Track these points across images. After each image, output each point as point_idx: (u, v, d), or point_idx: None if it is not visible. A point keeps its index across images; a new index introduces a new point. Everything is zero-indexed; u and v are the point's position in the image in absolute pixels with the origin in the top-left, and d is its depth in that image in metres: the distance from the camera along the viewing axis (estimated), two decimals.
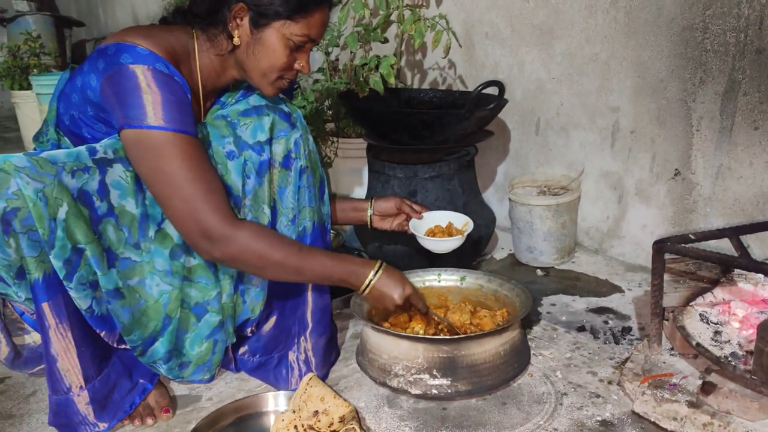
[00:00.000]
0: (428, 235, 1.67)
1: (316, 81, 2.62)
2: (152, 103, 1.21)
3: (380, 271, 1.42)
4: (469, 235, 1.67)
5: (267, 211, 1.45)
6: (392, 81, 2.21)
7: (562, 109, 2.23)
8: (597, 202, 2.22)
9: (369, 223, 1.71)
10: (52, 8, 6.14)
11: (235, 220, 1.29)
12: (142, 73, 1.22)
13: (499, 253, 2.33)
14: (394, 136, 2.02)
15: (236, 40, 1.33)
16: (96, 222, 1.27)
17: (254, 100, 1.46)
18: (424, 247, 1.68)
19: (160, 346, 1.39)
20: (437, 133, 1.94)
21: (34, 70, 4.59)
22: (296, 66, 1.38)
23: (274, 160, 1.44)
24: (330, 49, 2.54)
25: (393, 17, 2.39)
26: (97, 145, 1.28)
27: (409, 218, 1.70)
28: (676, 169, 1.95)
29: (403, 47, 2.58)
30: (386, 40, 2.41)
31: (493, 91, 1.96)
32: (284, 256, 1.31)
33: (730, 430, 1.22)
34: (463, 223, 1.70)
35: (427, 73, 2.68)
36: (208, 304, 1.43)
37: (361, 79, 2.26)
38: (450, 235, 1.67)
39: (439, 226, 1.70)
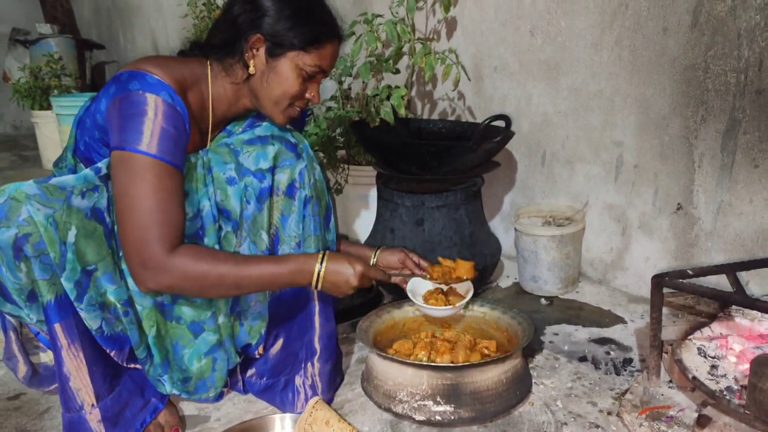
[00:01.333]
0: (427, 295, 1.64)
1: (329, 109, 2.69)
2: (151, 132, 1.26)
3: (325, 261, 1.40)
4: (475, 263, 1.68)
5: (264, 237, 1.49)
6: (402, 112, 2.27)
7: (567, 142, 2.29)
8: (601, 234, 2.26)
9: None
10: (74, 31, 6.30)
11: (173, 248, 1.28)
12: (153, 102, 1.28)
13: (505, 282, 2.37)
14: (403, 166, 2.08)
15: (251, 69, 1.40)
16: (108, 237, 1.33)
17: (261, 131, 1.51)
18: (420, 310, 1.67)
19: (156, 356, 1.43)
20: (445, 164, 2.00)
21: (55, 91, 4.71)
22: (307, 95, 1.45)
23: (277, 188, 1.49)
24: (343, 78, 2.61)
25: (404, 49, 2.46)
26: (100, 164, 1.33)
27: (412, 274, 1.67)
28: (679, 204, 1.99)
29: (413, 78, 2.65)
30: (398, 71, 2.48)
31: (500, 123, 2.02)
32: (222, 272, 1.30)
33: None
34: (465, 289, 1.66)
35: (437, 104, 2.75)
36: (204, 323, 1.48)
37: (373, 109, 2.32)
38: (447, 300, 1.63)
39: (439, 290, 1.65)
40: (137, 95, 1.28)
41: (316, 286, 1.40)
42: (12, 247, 1.23)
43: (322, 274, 1.39)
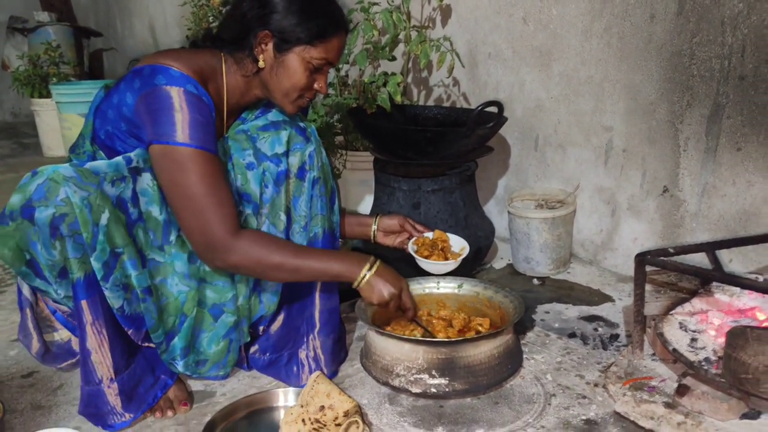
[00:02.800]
0: (425, 255, 1.75)
1: (327, 96, 2.75)
2: (182, 122, 1.34)
3: (375, 267, 1.50)
4: (470, 245, 1.78)
5: (283, 217, 1.58)
6: (398, 98, 2.34)
7: (559, 127, 2.35)
8: (591, 216, 2.33)
9: (372, 238, 1.81)
10: (71, 19, 6.31)
11: (237, 230, 1.39)
12: (177, 95, 1.35)
13: (499, 263, 2.45)
14: (400, 152, 2.15)
15: (261, 63, 1.46)
16: (130, 226, 1.41)
17: (273, 116, 1.59)
18: (421, 267, 1.76)
19: (178, 342, 1.51)
20: (440, 150, 2.07)
21: (53, 78, 4.75)
22: (315, 86, 1.51)
23: (290, 171, 1.57)
24: (340, 65, 2.67)
25: (401, 36, 2.51)
26: (132, 154, 1.41)
27: (410, 237, 1.79)
28: (665, 187, 2.07)
29: (410, 64, 2.70)
30: (394, 58, 2.54)
31: (494, 108, 2.09)
32: (282, 258, 1.42)
33: (701, 429, 1.33)
34: (460, 247, 1.79)
35: (433, 90, 2.81)
36: (224, 305, 1.55)
37: (369, 95, 2.38)
38: (446, 257, 1.75)
39: (437, 246, 1.77)
40: (163, 90, 1.35)
41: (358, 285, 1.49)
42: (49, 225, 1.31)
43: (367, 278, 1.49)
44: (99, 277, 1.36)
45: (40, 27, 5.41)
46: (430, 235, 1.79)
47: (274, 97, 1.51)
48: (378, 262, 1.51)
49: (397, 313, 1.61)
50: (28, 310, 1.57)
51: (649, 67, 2.02)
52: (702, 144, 1.94)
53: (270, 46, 1.45)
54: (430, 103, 2.83)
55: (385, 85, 2.36)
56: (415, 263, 1.74)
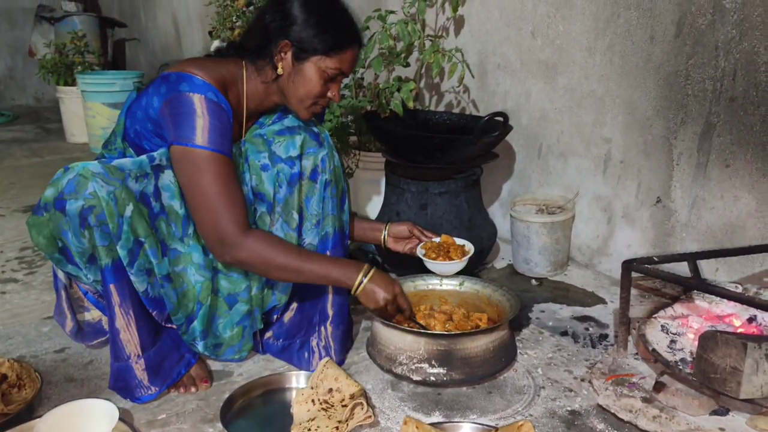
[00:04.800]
0: (433, 258, 1.87)
1: (343, 97, 2.88)
2: (202, 127, 1.48)
3: (370, 274, 1.60)
4: (473, 245, 1.92)
5: (296, 216, 1.72)
6: (411, 104, 2.47)
7: (562, 137, 2.48)
8: (589, 222, 2.46)
9: (383, 243, 1.94)
10: (96, 9, 6.46)
11: (247, 229, 1.52)
12: (199, 102, 1.49)
13: (500, 263, 2.58)
14: (410, 155, 2.29)
15: (280, 71, 1.59)
16: (153, 219, 1.55)
17: (288, 122, 1.73)
18: (429, 269, 1.90)
19: (197, 325, 1.65)
20: (448, 155, 2.20)
21: (78, 67, 4.89)
22: (329, 94, 1.64)
23: (303, 173, 1.71)
24: (357, 70, 2.80)
25: (415, 44, 2.64)
26: (155, 153, 1.55)
27: (419, 242, 1.92)
28: (658, 197, 2.20)
29: (422, 71, 2.84)
30: (408, 65, 2.67)
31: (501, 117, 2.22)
32: (286, 260, 1.53)
33: (674, 422, 1.47)
34: (465, 248, 1.92)
35: (444, 96, 2.94)
36: (239, 295, 1.70)
37: (383, 100, 2.52)
38: (451, 259, 1.88)
39: (442, 248, 1.90)
40: (186, 96, 1.49)
41: (356, 292, 1.60)
42: (78, 216, 1.45)
43: (364, 284, 1.59)
44: (125, 264, 1.51)
45: (66, 16, 5.56)
46: (437, 239, 1.93)
47: (290, 103, 1.64)
48: (373, 270, 1.61)
49: (394, 315, 1.72)
50: (63, 292, 1.72)
51: (648, 85, 2.15)
52: (694, 159, 2.07)
53: (289, 55, 1.57)
54: (441, 107, 2.96)
55: (398, 90, 2.49)
56: (425, 266, 1.89)
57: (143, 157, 1.55)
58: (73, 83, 4.74)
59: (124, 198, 1.48)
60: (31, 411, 1.55)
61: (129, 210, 1.49)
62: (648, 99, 2.16)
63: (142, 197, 1.53)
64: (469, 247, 1.93)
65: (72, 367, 1.81)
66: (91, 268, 1.55)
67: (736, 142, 1.95)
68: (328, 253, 1.75)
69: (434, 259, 1.87)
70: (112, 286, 1.53)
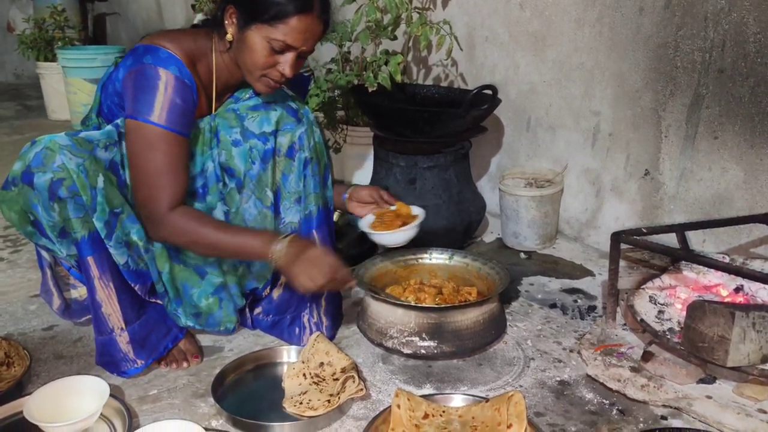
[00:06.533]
0: (378, 223, 1.75)
1: (330, 71, 2.85)
2: (161, 105, 1.46)
3: (286, 242, 1.49)
4: (461, 220, 1.89)
5: (269, 193, 1.68)
6: (399, 78, 2.45)
7: (550, 109, 2.48)
8: (578, 195, 2.47)
9: (345, 207, 1.86)
10: None
11: (175, 207, 1.49)
12: (164, 76, 1.46)
13: (488, 237, 2.59)
14: (398, 129, 2.27)
15: (228, 37, 1.53)
16: (121, 186, 1.54)
17: (264, 97, 1.67)
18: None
19: (169, 290, 1.64)
20: (436, 129, 2.19)
21: (59, 42, 4.79)
22: (279, 68, 1.52)
23: (279, 149, 1.67)
24: (343, 42, 2.77)
25: (402, 17, 2.61)
26: (119, 121, 1.53)
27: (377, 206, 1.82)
28: (646, 170, 2.20)
29: (410, 44, 2.81)
30: (395, 38, 2.64)
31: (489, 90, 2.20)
32: (205, 233, 1.50)
33: (662, 391, 1.49)
34: (418, 216, 1.78)
35: (432, 69, 2.92)
36: (207, 267, 1.68)
37: (371, 73, 2.49)
38: (404, 223, 1.75)
39: (389, 214, 1.78)
40: (150, 69, 1.46)
41: (276, 263, 1.50)
42: (48, 189, 1.43)
43: (281, 251, 1.48)
44: (103, 236, 1.49)
45: None
46: (393, 207, 1.82)
47: (244, 74, 1.57)
48: (290, 239, 1.50)
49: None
50: (48, 270, 1.70)
51: (637, 57, 2.14)
52: (682, 131, 2.07)
53: (235, 21, 1.51)
54: (429, 81, 2.94)
55: (386, 64, 2.47)
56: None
57: (110, 126, 1.53)
58: (54, 59, 4.64)
59: (94, 169, 1.46)
60: (20, 388, 1.54)
61: (101, 181, 1.47)
62: (637, 71, 2.15)
63: (111, 165, 1.52)
64: (418, 212, 1.79)
65: (61, 345, 1.80)
66: (63, 242, 1.53)
67: (725, 114, 1.96)
68: (313, 232, 1.72)
69: (385, 229, 1.75)
70: (89, 259, 1.51)
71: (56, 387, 1.44)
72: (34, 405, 1.37)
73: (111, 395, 1.41)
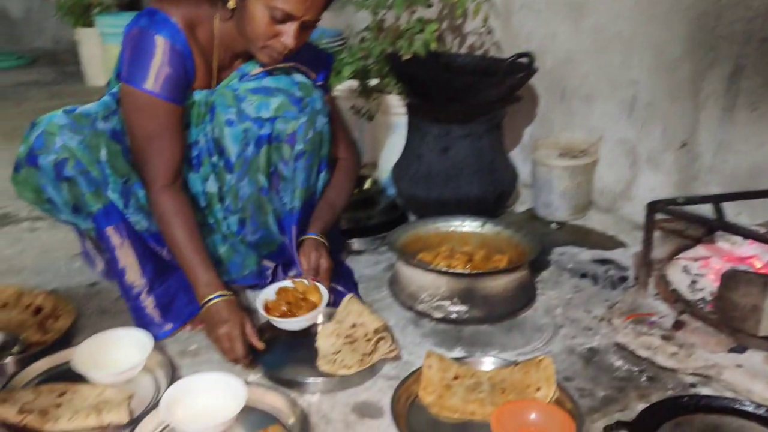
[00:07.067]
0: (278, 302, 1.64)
1: (363, 39, 2.85)
2: (156, 72, 1.47)
3: (215, 301, 1.49)
4: (494, 189, 1.90)
5: (261, 178, 1.67)
6: (433, 46, 2.44)
7: (586, 79, 2.45)
8: (612, 166, 2.45)
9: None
10: None
11: (168, 183, 1.53)
12: (162, 44, 1.46)
13: (520, 207, 2.59)
14: (432, 98, 2.28)
15: (231, 4, 1.48)
16: (125, 153, 1.57)
17: (269, 81, 1.61)
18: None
19: None
20: (470, 98, 2.19)
21: (96, 8, 4.84)
22: (282, 39, 1.45)
23: (278, 136, 1.62)
24: (378, 10, 2.76)
25: None
26: (115, 89, 1.57)
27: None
28: (683, 141, 2.18)
29: (445, 11, 2.79)
30: (431, 5, 2.62)
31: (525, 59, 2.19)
32: (173, 236, 1.52)
33: (692, 359, 1.50)
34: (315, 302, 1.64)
35: (467, 38, 2.90)
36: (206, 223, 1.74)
37: (405, 42, 2.49)
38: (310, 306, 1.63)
39: (293, 293, 1.66)
40: (146, 34, 1.46)
41: (201, 308, 1.53)
42: (53, 169, 1.48)
43: (208, 306, 1.50)
44: (120, 207, 1.55)
45: None
46: (307, 283, 1.66)
47: (246, 44, 1.52)
48: (224, 299, 1.50)
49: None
50: (84, 237, 1.76)
51: (676, 26, 2.11)
52: (720, 102, 2.04)
53: None
54: (464, 49, 2.92)
55: (421, 32, 2.46)
56: (442, 211, 1.86)
57: (106, 96, 1.57)
58: (91, 25, 4.71)
59: (96, 144, 1.50)
60: (67, 340, 1.61)
61: (104, 154, 1.51)
62: (676, 41, 2.12)
63: (114, 134, 1.55)
64: (321, 297, 1.64)
65: (105, 300, 1.86)
66: (79, 217, 1.58)
67: (765, 85, 1.92)
68: (293, 227, 1.73)
69: (282, 312, 1.62)
70: (108, 230, 1.56)
71: (102, 339, 1.50)
72: (81, 356, 1.44)
73: (153, 348, 1.47)
